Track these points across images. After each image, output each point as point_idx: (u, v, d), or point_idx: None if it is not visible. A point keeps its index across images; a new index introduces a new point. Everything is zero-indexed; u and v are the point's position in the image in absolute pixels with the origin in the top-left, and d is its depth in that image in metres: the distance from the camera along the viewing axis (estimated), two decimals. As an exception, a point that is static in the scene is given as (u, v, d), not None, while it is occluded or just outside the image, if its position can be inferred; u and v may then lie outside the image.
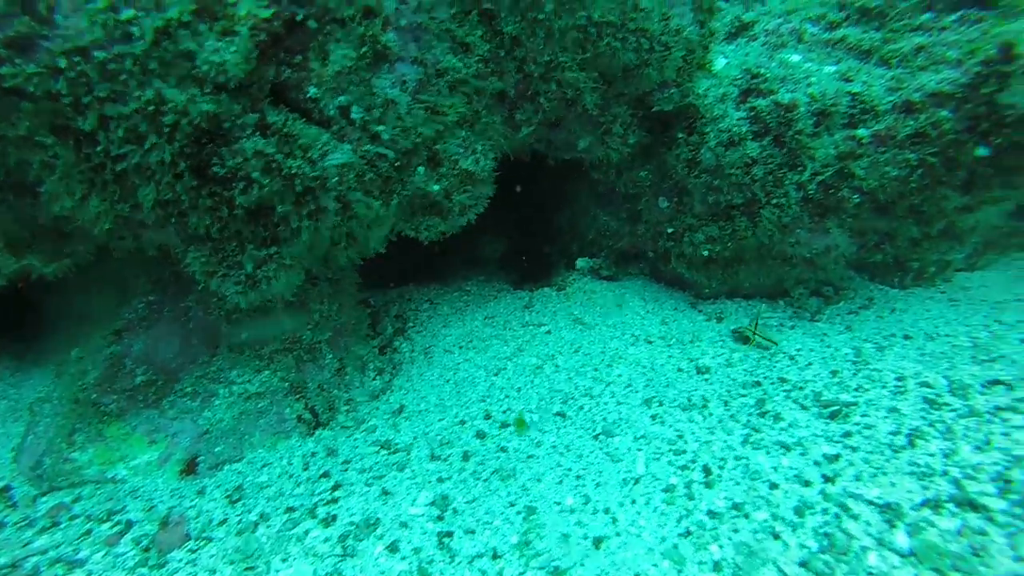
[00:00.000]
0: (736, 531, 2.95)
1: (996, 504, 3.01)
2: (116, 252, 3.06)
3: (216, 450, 3.60)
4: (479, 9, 3.13)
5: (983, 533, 2.86)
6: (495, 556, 2.87)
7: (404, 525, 3.09)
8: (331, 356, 4.05)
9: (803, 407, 3.86)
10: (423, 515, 3.15)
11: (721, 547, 2.87)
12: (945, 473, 3.23)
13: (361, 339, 4.35)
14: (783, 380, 4.13)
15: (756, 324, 4.16)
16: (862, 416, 3.74)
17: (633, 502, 3.18)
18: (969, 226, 4.92)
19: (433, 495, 3.27)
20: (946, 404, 3.75)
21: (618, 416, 3.83)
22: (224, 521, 3.14)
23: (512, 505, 3.19)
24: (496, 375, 4.28)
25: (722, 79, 4.12)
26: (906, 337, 4.48)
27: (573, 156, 4.18)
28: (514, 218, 5.76)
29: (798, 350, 4.42)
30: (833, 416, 3.76)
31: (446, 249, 6.08)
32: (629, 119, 4.00)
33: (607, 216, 5.15)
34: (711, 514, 3.07)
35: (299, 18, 2.58)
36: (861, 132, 3.83)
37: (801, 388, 4.03)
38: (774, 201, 4.05)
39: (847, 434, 3.59)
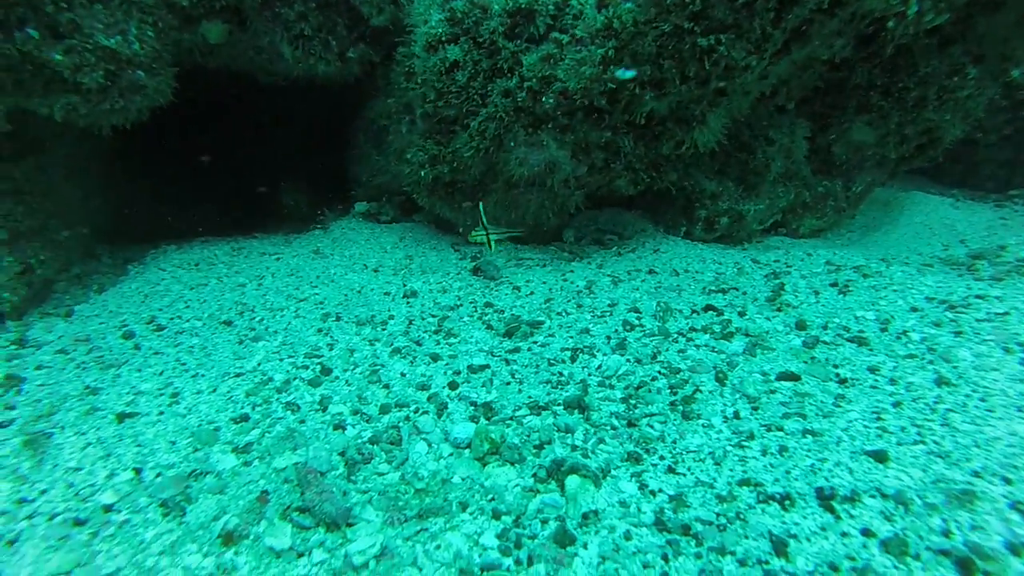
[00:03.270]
0: (302, 421, 2.60)
1: (607, 407, 2.61)
2: None
3: None
4: None
5: (570, 430, 2.46)
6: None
7: (-46, 401, 2.80)
8: (11, 259, 3.84)
9: (488, 327, 3.50)
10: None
11: (266, 433, 2.51)
12: (581, 382, 2.84)
13: (66, 251, 4.14)
14: (489, 305, 3.78)
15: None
16: (546, 336, 3.37)
17: (214, 390, 2.84)
18: (759, 168, 4.57)
19: (1, 376, 2.98)
20: (640, 325, 3.36)
21: (283, 327, 3.52)
22: None
23: (86, 388, 2.88)
24: (192, 289, 4.02)
25: (438, -11, 3.93)
26: (650, 272, 4.10)
27: (287, 70, 3.99)
28: (308, 166, 5.60)
29: (527, 281, 4.07)
30: (510, 334, 3.39)
31: (250, 202, 5.99)
32: (334, 26, 3.81)
33: (379, 155, 4.93)
34: (288, 406, 2.71)
35: None
36: (563, 36, 3.57)
37: (502, 312, 3.68)
38: (483, 110, 3.78)
39: (515, 350, 3.22)
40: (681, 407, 2.61)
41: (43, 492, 2.17)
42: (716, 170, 4.67)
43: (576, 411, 2.65)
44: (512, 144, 3.85)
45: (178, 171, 5.55)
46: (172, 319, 3.66)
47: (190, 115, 4.48)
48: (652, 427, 2.50)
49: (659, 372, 2.91)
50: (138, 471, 2.29)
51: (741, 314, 3.40)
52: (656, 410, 2.61)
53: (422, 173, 4.07)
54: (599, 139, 3.81)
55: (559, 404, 2.70)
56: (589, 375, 2.94)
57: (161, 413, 2.65)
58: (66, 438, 2.46)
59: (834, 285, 3.62)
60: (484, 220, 3.82)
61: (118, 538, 2.00)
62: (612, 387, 2.82)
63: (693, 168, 4.41)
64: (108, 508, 2.11)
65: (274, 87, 4.60)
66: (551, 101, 3.65)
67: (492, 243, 3.90)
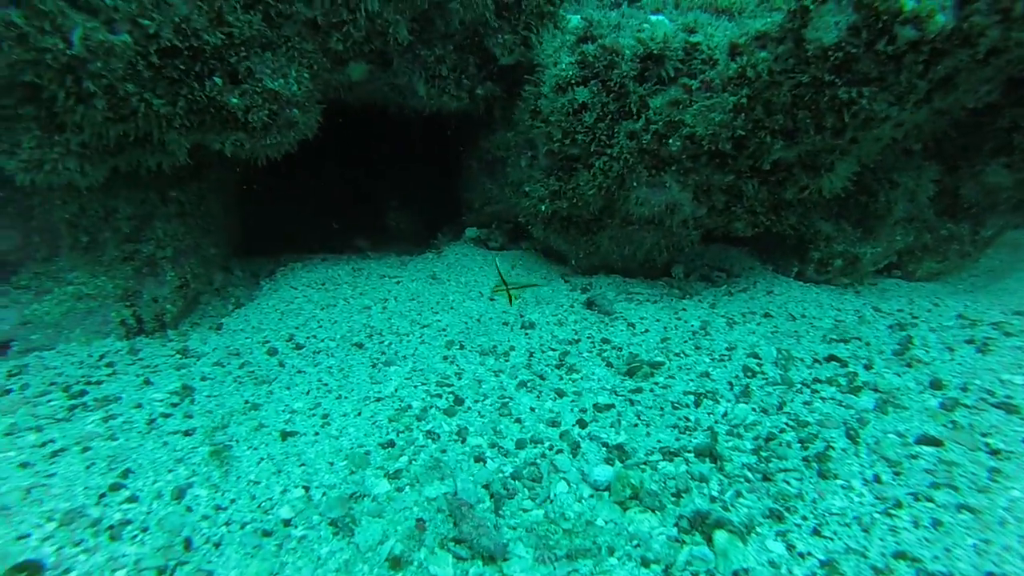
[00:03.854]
0: (444, 451, 2.78)
1: (738, 458, 2.65)
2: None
3: (32, 337, 3.86)
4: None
5: (705, 479, 2.53)
6: (186, 434, 2.88)
7: (139, 406, 3.16)
8: (172, 273, 4.27)
9: (608, 364, 3.59)
10: (163, 400, 3.22)
11: (412, 461, 2.71)
12: (708, 429, 2.89)
13: (213, 266, 4.54)
14: (606, 341, 3.87)
15: (499, 272, 3.79)
16: (666, 377, 3.43)
17: (359, 414, 3.07)
18: (880, 211, 4.46)
19: (179, 386, 3.33)
20: (761, 373, 3.37)
21: (411, 352, 3.74)
22: (-15, 388, 3.37)
23: (246, 403, 3.18)
24: (323, 309, 4.32)
25: (567, 32, 4.08)
26: (766, 315, 4.08)
27: (421, 106, 4.25)
28: (419, 191, 5.88)
29: (641, 318, 4.13)
30: (631, 373, 3.47)
31: (353, 223, 6.33)
32: (466, 66, 4.04)
33: (492, 184, 5.13)
34: (429, 434, 2.90)
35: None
36: (692, 81, 3.64)
37: (620, 349, 3.76)
38: (608, 151, 3.89)
39: (637, 390, 3.30)
40: (816, 464, 2.61)
41: (232, 501, 2.43)
42: (834, 212, 4.58)
43: (707, 459, 2.69)
44: (634, 184, 3.94)
45: (301, 191, 5.96)
46: (308, 338, 3.95)
47: (315, 140, 4.85)
48: (788, 483, 2.51)
49: (786, 424, 2.92)
50: (307, 488, 2.52)
51: (867, 367, 3.34)
52: (791, 465, 2.62)
53: (541, 207, 4.22)
54: (722, 182, 3.84)
55: (689, 451, 2.75)
56: (716, 422, 2.98)
57: (316, 434, 2.89)
58: (242, 451, 2.73)
59: (970, 342, 3.49)
60: (502, 275, 3.82)
61: (299, 552, 2.21)
62: (741, 437, 2.85)
63: (811, 210, 4.35)
64: (287, 523, 2.34)
65: (398, 117, 4.89)
66: (677, 144, 3.72)
67: (512, 298, 3.84)
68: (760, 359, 3.54)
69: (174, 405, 3.18)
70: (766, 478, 2.55)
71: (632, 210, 4.04)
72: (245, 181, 5.29)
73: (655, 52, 3.65)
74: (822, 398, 3.12)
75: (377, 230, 6.11)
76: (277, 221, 6.08)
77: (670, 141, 3.74)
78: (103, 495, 2.45)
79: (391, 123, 5.17)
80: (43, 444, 2.78)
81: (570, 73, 3.84)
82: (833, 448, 2.71)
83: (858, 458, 2.64)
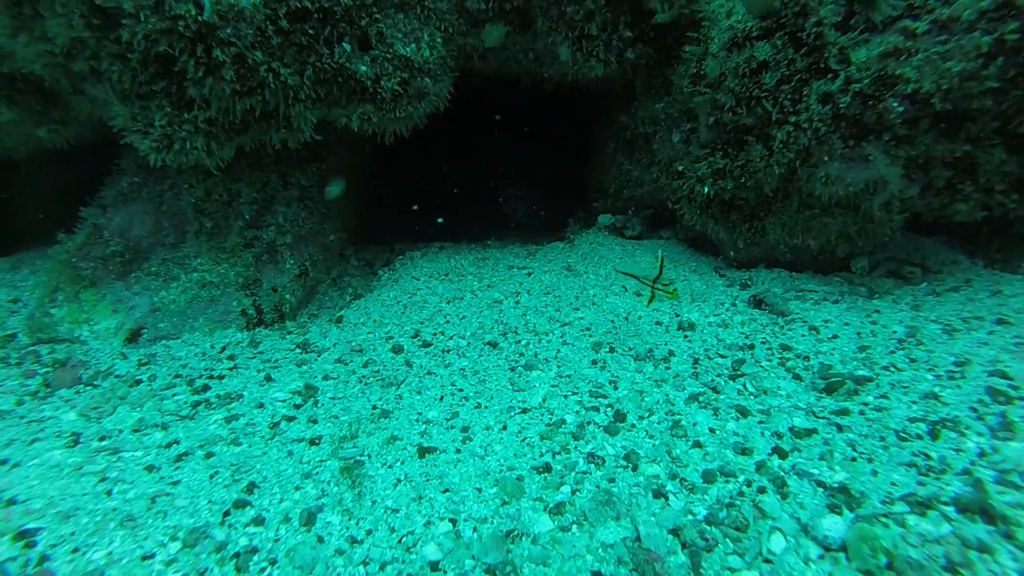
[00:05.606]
0: (612, 480, 2.26)
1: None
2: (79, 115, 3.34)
3: (160, 325, 3.73)
4: None
5: (988, 550, 1.84)
6: (312, 443, 2.53)
7: (260, 406, 2.87)
8: (292, 261, 4.03)
9: (796, 377, 2.93)
10: (285, 400, 2.92)
11: (576, 491, 2.20)
12: (965, 472, 2.17)
13: (331, 254, 4.28)
14: (785, 348, 3.18)
15: (661, 267, 3.00)
16: (877, 396, 2.71)
17: (504, 427, 2.60)
18: None
19: (302, 385, 3.01)
20: (1021, 399, 2.56)
21: (553, 354, 3.23)
22: (114, 373, 3.21)
23: (375, 408, 2.81)
24: (449, 303, 3.91)
25: (742, -23, 3.39)
26: (1000, 322, 3.21)
27: (561, 74, 3.74)
28: (539, 174, 5.37)
29: (825, 321, 3.39)
30: (830, 390, 2.77)
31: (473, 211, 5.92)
32: (617, 25, 3.47)
33: (631, 165, 4.52)
34: (591, 457, 2.38)
35: None
36: (917, 23, 2.86)
37: (806, 359, 3.07)
38: (792, 119, 3.18)
39: (842, 411, 2.62)
40: None
41: (369, 533, 2.02)
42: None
43: (979, 517, 1.99)
44: (825, 158, 3.21)
45: (420, 176, 5.64)
46: (435, 335, 3.55)
47: (438, 120, 4.46)
48: None
49: (1083, 474, 2.13)
50: (454, 522, 2.07)
51: None
52: (1117, 539, 1.86)
53: (703, 189, 3.58)
54: (949, 153, 3.03)
55: (946, 503, 2.05)
56: (972, 464, 2.25)
57: (458, 451, 2.45)
58: (376, 470, 2.33)
59: None
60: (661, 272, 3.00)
61: (457, 608, 1.76)
62: (1020, 488, 2.11)
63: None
64: (435, 566, 1.90)
65: (529, 90, 4.39)
66: (895, 105, 2.95)
67: (666, 295, 3.00)
68: (1012, 380, 2.72)
69: (297, 407, 2.86)
70: (1085, 556, 1.81)
71: (817, 190, 3.31)
72: (363, 163, 5.01)
73: (866, -11, 2.91)
74: (1123, 439, 2.29)
75: (495, 219, 5.68)
76: (395, 207, 5.81)
77: (880, 104, 2.98)
78: (227, 513, 2.13)
79: (516, 98, 4.70)
80: (168, 445, 2.53)
81: (749, 25, 3.16)
82: None
83: None
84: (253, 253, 3.94)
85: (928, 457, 2.30)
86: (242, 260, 3.91)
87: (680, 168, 3.80)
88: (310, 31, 3.00)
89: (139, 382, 3.12)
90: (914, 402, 2.65)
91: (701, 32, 3.47)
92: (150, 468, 2.35)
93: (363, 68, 3.19)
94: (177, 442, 2.55)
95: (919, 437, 2.43)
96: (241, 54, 2.88)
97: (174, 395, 2.99)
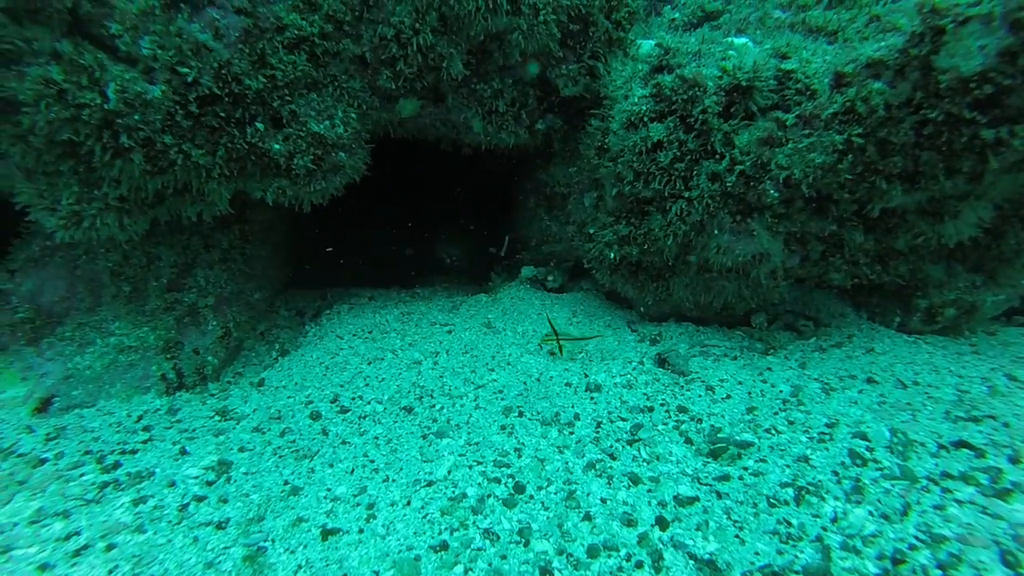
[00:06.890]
0: (504, 557, 2.40)
1: (859, 586, 2.18)
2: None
3: (73, 393, 3.70)
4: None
5: None
6: (219, 527, 2.59)
7: (172, 484, 2.91)
8: (215, 322, 4.06)
9: (687, 441, 3.14)
10: (198, 477, 2.96)
11: (469, 571, 2.34)
12: (818, 539, 2.41)
13: (257, 311, 4.32)
14: (682, 409, 3.41)
15: (553, 325, 3.66)
16: (756, 460, 2.95)
17: (408, 503, 2.72)
18: (1008, 254, 3.84)
19: (215, 460, 3.06)
20: (874, 460, 2.85)
21: (465, 420, 3.38)
22: (16, 452, 3.18)
23: (286, 484, 2.88)
24: (370, 364, 4.01)
25: (640, 60, 3.65)
26: (869, 381, 3.53)
27: (476, 142, 3.91)
28: (466, 226, 5.55)
29: (721, 381, 3.65)
30: (715, 455, 3.01)
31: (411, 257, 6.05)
32: (526, 100, 3.67)
33: (550, 220, 4.74)
34: (487, 533, 2.53)
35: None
36: (787, 116, 3.16)
37: (699, 421, 3.30)
38: (686, 194, 3.44)
39: (724, 477, 2.85)
40: (969, 605, 2.10)
41: (263, 629, 2.11)
42: (944, 255, 3.98)
43: (824, 588, 2.22)
44: (716, 231, 3.48)
45: (349, 227, 5.72)
46: (354, 399, 3.65)
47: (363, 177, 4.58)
48: (939, 636, 2.02)
49: (917, 539, 2.40)
50: (349, 610, 2.18)
51: (1014, 460, 2.78)
52: (936, 606, 2.12)
53: (609, 253, 3.80)
54: (820, 230, 3.34)
55: (797, 572, 2.29)
56: (824, 530, 2.49)
57: (361, 531, 2.56)
58: (278, 556, 2.42)
59: None
60: (554, 328, 3.83)
61: None
62: (860, 554, 2.36)
63: (923, 257, 3.78)
64: (325, 660, 2.00)
65: (452, 150, 4.56)
66: (771, 190, 3.24)
67: (563, 350, 3.94)
68: (869, 441, 3.02)
69: (209, 483, 2.91)
70: (906, 624, 2.06)
71: (712, 258, 3.58)
72: (291, 218, 5.07)
73: (743, 83, 3.19)
74: (957, 500, 2.58)
75: (428, 264, 5.81)
76: (325, 255, 5.87)
77: (761, 185, 3.26)
78: (123, 614, 2.17)
79: (442, 155, 4.87)
80: (68, 537, 2.54)
81: (644, 108, 3.42)
82: (985, 577, 2.19)
83: (1024, 596, 2.12)
84: (174, 316, 3.95)
85: (790, 524, 2.55)
86: (163, 323, 3.92)
87: (591, 231, 4.03)
88: (221, 114, 3.09)
89: (44, 461, 3.10)
90: (788, 466, 2.91)
91: (603, 109, 3.71)
92: (43, 567, 2.36)
93: (276, 146, 3.28)
94: (78, 533, 2.56)
95: (786, 503, 2.67)
96: (149, 138, 2.94)
97: (81, 475, 2.99)
